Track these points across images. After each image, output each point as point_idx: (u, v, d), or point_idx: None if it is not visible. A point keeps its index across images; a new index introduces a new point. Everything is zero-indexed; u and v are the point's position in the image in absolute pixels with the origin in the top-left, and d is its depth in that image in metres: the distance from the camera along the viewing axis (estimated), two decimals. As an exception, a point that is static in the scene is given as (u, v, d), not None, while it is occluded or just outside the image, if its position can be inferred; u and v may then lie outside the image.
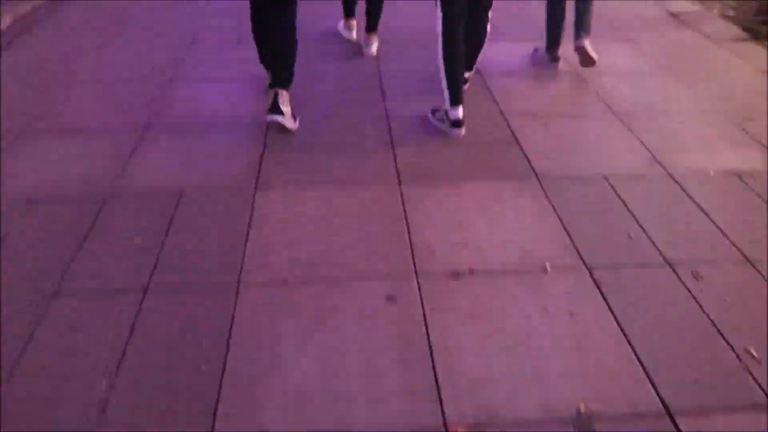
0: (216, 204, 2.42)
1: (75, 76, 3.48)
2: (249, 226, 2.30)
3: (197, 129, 2.96)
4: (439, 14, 2.85)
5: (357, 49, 3.98)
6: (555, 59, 3.76)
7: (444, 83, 2.91)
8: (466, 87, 3.31)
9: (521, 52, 3.98)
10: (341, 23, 4.16)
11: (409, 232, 2.29)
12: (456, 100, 2.89)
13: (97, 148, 2.77)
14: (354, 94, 3.40)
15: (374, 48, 3.89)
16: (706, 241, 2.30)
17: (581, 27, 3.75)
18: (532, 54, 3.89)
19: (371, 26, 3.85)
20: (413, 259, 2.15)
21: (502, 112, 3.17)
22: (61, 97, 3.23)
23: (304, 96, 3.28)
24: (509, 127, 3.03)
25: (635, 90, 3.49)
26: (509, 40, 4.17)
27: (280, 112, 2.86)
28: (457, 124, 2.91)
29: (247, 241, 2.22)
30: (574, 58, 3.86)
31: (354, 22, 4.15)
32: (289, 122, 2.92)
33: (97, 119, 3.02)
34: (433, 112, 3.07)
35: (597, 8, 4.76)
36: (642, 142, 2.94)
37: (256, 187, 2.53)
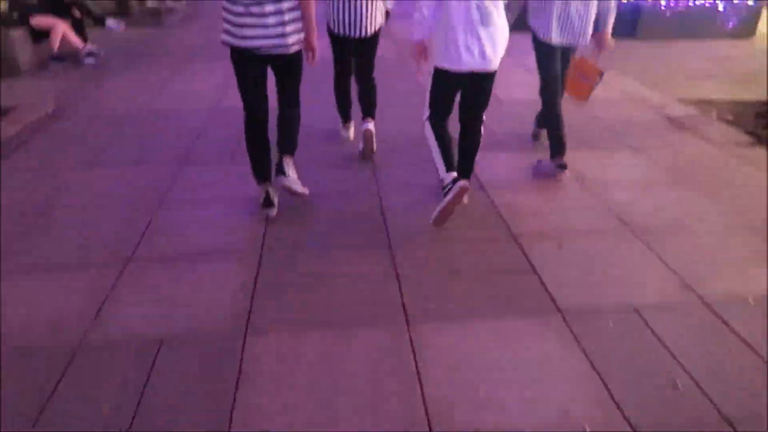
0: (200, 356, 2.12)
1: (59, 200, 3.28)
2: (237, 385, 1.99)
3: (184, 261, 2.71)
4: (427, 110, 3.03)
5: (355, 155, 3.91)
6: (562, 167, 3.57)
7: (436, 155, 3.00)
8: (465, 200, 3.21)
9: (524, 162, 3.86)
10: (340, 126, 4.25)
11: (421, 386, 1.98)
12: (450, 166, 2.96)
13: (72, 288, 2.50)
14: (352, 212, 3.20)
15: (371, 125, 3.87)
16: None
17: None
18: (536, 165, 3.76)
19: (367, 113, 3.90)
20: (429, 424, 1.84)
21: (512, 234, 2.95)
22: (40, 226, 3.01)
23: (299, 214, 3.10)
24: (522, 250, 2.80)
25: (650, 203, 3.32)
26: (510, 150, 4.08)
27: (284, 173, 3.01)
28: (456, 180, 2.89)
29: (234, 407, 1.90)
30: (580, 167, 3.74)
31: (351, 125, 4.22)
32: (295, 185, 3.05)
33: (75, 252, 2.78)
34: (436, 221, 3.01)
35: (593, 113, 4.79)
36: (667, 265, 2.71)
37: (246, 333, 2.24)
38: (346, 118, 4.20)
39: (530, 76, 4.06)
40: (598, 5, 3.39)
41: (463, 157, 3.20)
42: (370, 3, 3.51)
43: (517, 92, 5.20)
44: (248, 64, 2.83)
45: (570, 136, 4.24)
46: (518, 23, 3.58)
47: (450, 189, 2.86)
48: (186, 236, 2.92)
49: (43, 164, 3.78)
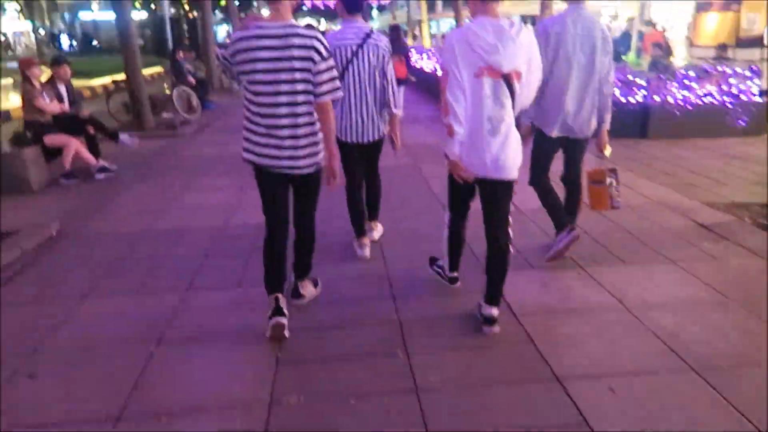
0: None
1: (48, 340, 3.00)
2: None
3: (179, 419, 2.35)
4: (447, 213, 3.20)
5: (370, 270, 3.72)
6: (572, 229, 3.73)
7: (445, 252, 3.29)
8: (497, 330, 2.97)
9: (554, 279, 3.58)
10: (355, 242, 4.05)
11: None
12: (454, 267, 3.36)
13: (50, 457, 2.16)
14: (370, 340, 2.91)
15: (376, 234, 4.23)
16: None
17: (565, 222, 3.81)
18: (550, 254, 3.71)
19: (372, 216, 4.20)
20: None
21: (554, 373, 2.59)
22: (22, 375, 2.70)
23: (310, 338, 2.78)
24: (570, 397, 2.42)
25: (703, 329, 2.97)
26: (537, 267, 3.80)
27: (301, 296, 3.27)
28: (453, 280, 3.41)
29: None
30: (617, 286, 3.44)
31: (366, 240, 4.05)
32: (310, 298, 3.32)
33: (57, 408, 2.44)
34: (432, 263, 3.50)
35: (620, 222, 4.56)
36: (744, 416, 2.31)
37: None
38: (360, 231, 4.01)
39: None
40: (596, 98, 3.56)
41: (490, 280, 3.00)
42: (374, 110, 3.73)
43: (536, 201, 4.95)
44: (267, 181, 2.89)
45: (601, 250, 4.04)
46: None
47: (446, 283, 3.42)
48: (184, 385, 2.59)
49: (38, 296, 3.54)
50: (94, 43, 42.67)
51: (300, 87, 2.69)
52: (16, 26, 44.69)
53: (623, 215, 4.71)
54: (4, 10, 43.88)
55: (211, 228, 4.65)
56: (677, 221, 4.65)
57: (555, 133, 3.63)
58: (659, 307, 3.22)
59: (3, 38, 45.57)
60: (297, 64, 2.65)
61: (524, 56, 2.70)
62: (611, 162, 3.74)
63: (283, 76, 2.66)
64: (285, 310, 2.93)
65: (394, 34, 9.63)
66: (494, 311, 2.99)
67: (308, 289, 3.31)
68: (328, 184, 2.94)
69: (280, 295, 2.95)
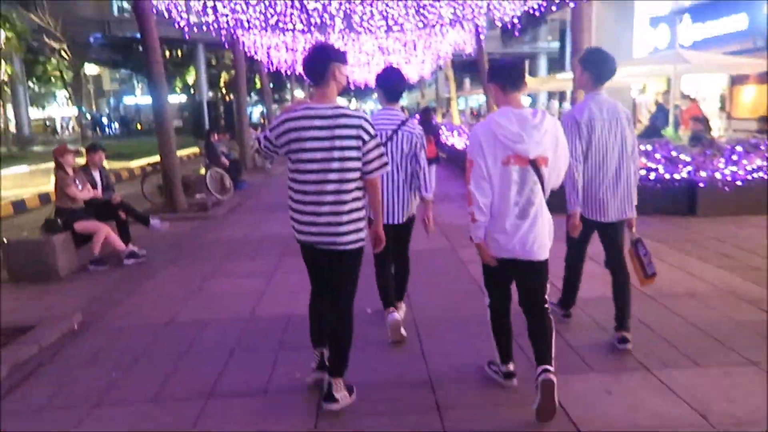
0: None
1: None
2: None
3: None
4: (486, 295, 3.14)
5: (408, 371, 3.32)
6: (566, 316, 4.03)
7: (493, 343, 3.15)
8: (553, 378, 2.78)
9: (619, 386, 3.13)
10: (385, 314, 3.88)
11: None
12: (506, 358, 3.15)
13: None
14: None
15: (401, 313, 3.97)
16: None
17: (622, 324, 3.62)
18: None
19: (398, 297, 4.07)
20: None
21: None
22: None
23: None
24: None
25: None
26: (597, 369, 3.37)
27: (335, 400, 2.93)
28: (509, 375, 3.15)
29: None
30: (697, 394, 2.97)
31: (393, 308, 3.88)
32: (346, 402, 2.99)
33: None
34: (489, 364, 3.26)
35: (685, 315, 4.11)
36: None
37: None
38: (387, 302, 3.89)
39: (597, 266, 3.65)
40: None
41: (536, 345, 2.89)
42: (404, 193, 3.77)
43: (589, 292, 4.51)
44: (311, 256, 3.00)
45: (668, 349, 3.69)
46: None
47: (502, 380, 3.15)
48: None
49: (49, 400, 3.25)
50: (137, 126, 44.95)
51: (349, 165, 2.78)
52: (64, 112, 47.56)
53: (688, 306, 4.27)
54: (55, 97, 46.92)
55: (238, 319, 4.37)
56: (749, 313, 4.17)
57: (598, 218, 3.58)
58: (753, 424, 2.75)
59: (49, 124, 48.37)
60: (347, 143, 2.76)
61: (549, 142, 2.79)
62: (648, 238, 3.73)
63: (335, 154, 2.75)
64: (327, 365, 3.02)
65: (425, 116, 9.99)
66: (550, 374, 2.81)
67: (342, 394, 2.98)
68: (374, 246, 3.08)
69: (325, 351, 3.07)
